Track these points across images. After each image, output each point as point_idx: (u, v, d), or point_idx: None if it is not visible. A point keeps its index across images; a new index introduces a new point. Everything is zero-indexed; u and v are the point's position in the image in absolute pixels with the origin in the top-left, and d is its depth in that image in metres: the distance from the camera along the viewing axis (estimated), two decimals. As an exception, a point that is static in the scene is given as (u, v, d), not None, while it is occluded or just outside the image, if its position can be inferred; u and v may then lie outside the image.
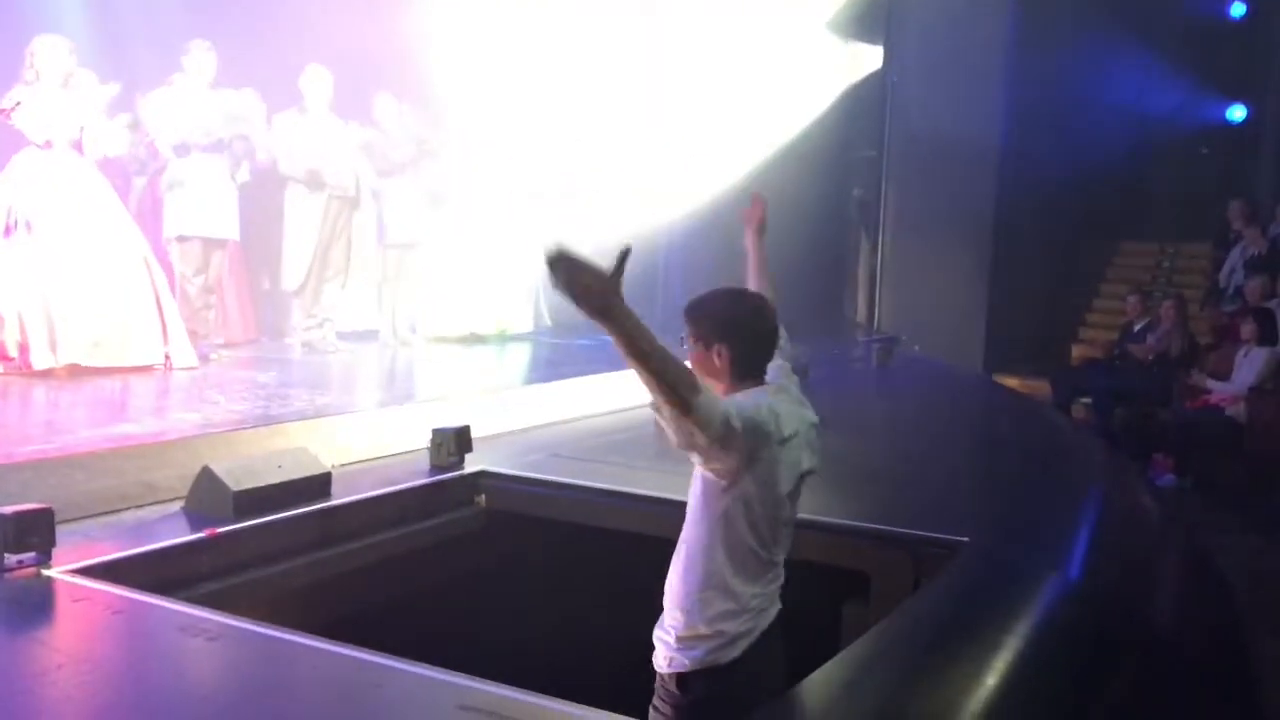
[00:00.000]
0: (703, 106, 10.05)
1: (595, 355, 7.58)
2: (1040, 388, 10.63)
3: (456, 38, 8.37)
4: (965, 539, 3.46)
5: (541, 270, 7.77)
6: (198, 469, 3.59)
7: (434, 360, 7.41)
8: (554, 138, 8.84)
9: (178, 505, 3.60)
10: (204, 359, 6.34)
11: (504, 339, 8.41)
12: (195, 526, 3.38)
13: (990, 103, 11.35)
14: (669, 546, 2.61)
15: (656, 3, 10.10)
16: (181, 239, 6.72)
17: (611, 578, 3.86)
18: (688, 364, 2.44)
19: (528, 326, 8.77)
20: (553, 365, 7.50)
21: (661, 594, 2.58)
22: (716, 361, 2.51)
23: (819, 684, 2.35)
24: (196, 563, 3.22)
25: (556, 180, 8.89)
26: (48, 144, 5.85)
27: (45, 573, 2.86)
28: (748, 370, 2.54)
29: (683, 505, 2.58)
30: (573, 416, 5.56)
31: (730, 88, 10.23)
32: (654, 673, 2.59)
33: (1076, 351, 11.91)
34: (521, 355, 8.04)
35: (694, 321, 2.55)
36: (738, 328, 2.54)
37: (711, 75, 10.16)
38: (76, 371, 5.69)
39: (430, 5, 8.38)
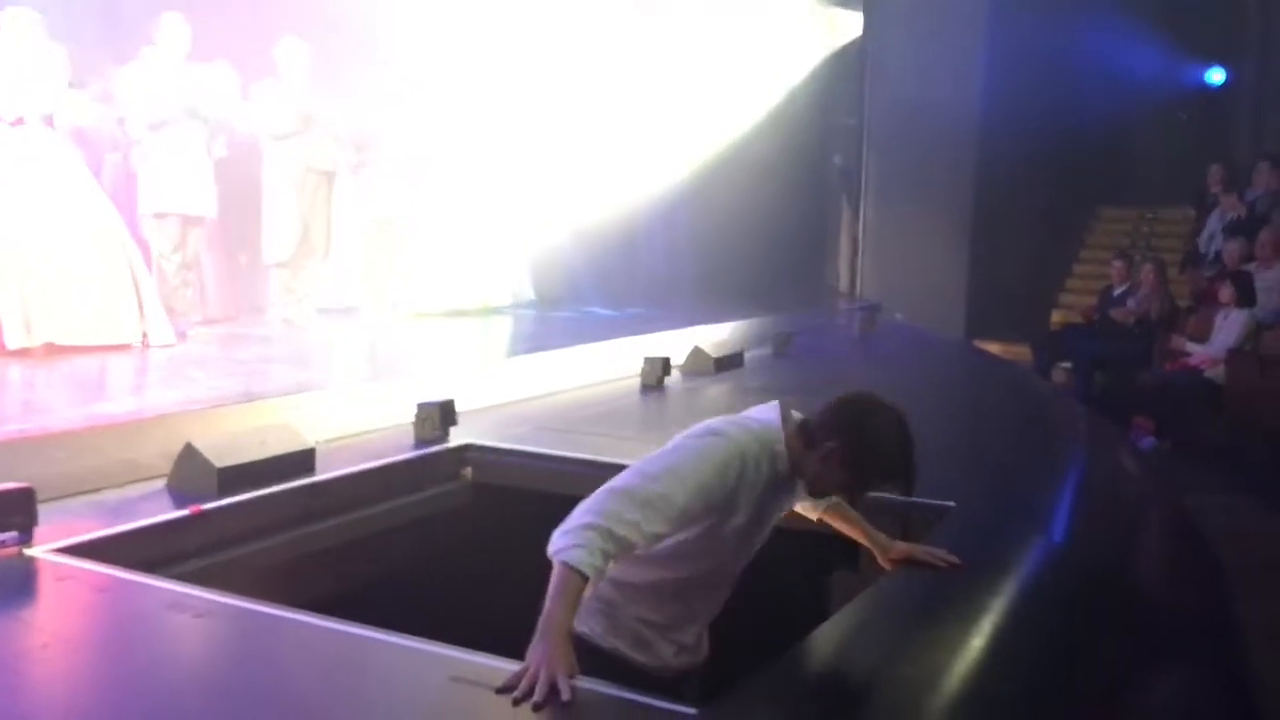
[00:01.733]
0: (682, 76, 10.00)
1: (578, 328, 7.57)
2: (1021, 353, 10.69)
3: (435, 8, 8.28)
4: (951, 504, 3.47)
5: (524, 244, 7.57)
6: (180, 446, 3.56)
7: (416, 335, 7.37)
8: (534, 112, 8.78)
9: (161, 483, 3.57)
10: (182, 336, 6.28)
11: (487, 313, 8.38)
12: (179, 504, 3.36)
13: (970, 69, 11.34)
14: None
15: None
16: (158, 215, 6.64)
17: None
18: None
19: (510, 300, 8.74)
20: (536, 339, 7.48)
21: None
22: None
23: (810, 650, 2.36)
24: (181, 540, 3.20)
25: (537, 154, 8.84)
26: (19, 121, 5.76)
27: (27, 552, 2.84)
28: None
29: None
30: (557, 389, 5.54)
31: (710, 56, 10.18)
32: None
33: (1057, 316, 11.97)
34: (504, 329, 8.02)
35: None
36: None
37: (691, 44, 10.10)
38: (53, 351, 5.63)
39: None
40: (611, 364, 6.03)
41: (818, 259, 12.63)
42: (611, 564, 2.20)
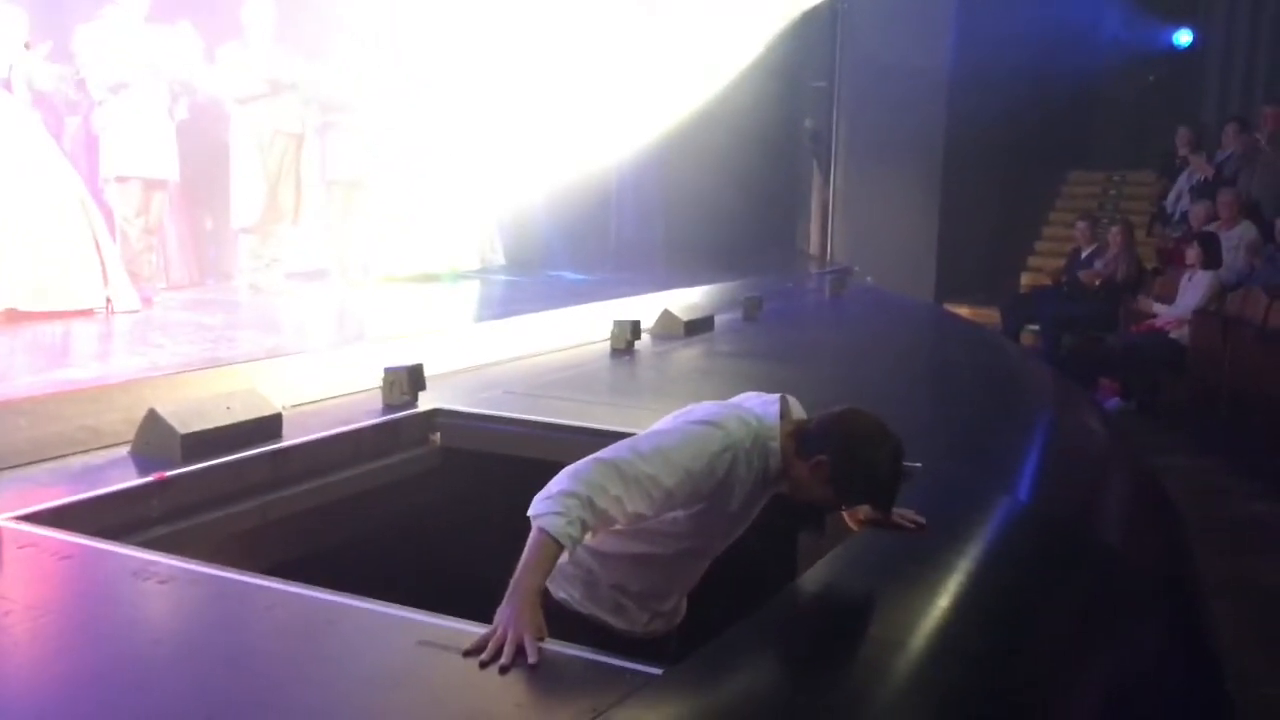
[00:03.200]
0: (652, 39, 9.92)
1: (547, 292, 7.55)
2: (990, 316, 10.75)
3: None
4: (918, 465, 3.49)
5: (494, 208, 7.50)
6: (143, 412, 3.52)
7: (385, 300, 7.32)
8: (504, 75, 8.70)
9: (124, 450, 3.53)
10: (147, 302, 6.22)
11: (456, 277, 8.33)
12: (143, 471, 3.32)
13: (940, 32, 11.31)
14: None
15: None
16: (120, 179, 6.55)
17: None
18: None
19: (480, 264, 8.69)
20: (505, 303, 7.45)
21: None
22: None
23: (777, 610, 2.37)
24: (145, 507, 3.17)
25: (506, 117, 8.76)
26: (-27, 84, 5.66)
27: (-11, 520, 2.81)
28: None
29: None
30: (526, 353, 5.52)
31: (678, 19, 10.10)
32: None
33: (1026, 279, 12.04)
34: (474, 293, 7.98)
35: None
36: None
37: (661, 7, 10.02)
38: (15, 317, 5.56)
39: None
40: (581, 328, 6.02)
41: (789, 223, 12.63)
42: (589, 535, 2.19)
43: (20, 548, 2.68)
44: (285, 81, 7.16)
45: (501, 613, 2.07)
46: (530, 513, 2.14)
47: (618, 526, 2.26)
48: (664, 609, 2.55)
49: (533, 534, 2.12)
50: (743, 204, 10.68)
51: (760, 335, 6.82)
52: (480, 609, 2.22)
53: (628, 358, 5.65)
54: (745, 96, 10.67)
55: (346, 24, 7.79)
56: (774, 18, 11.35)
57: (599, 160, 9.54)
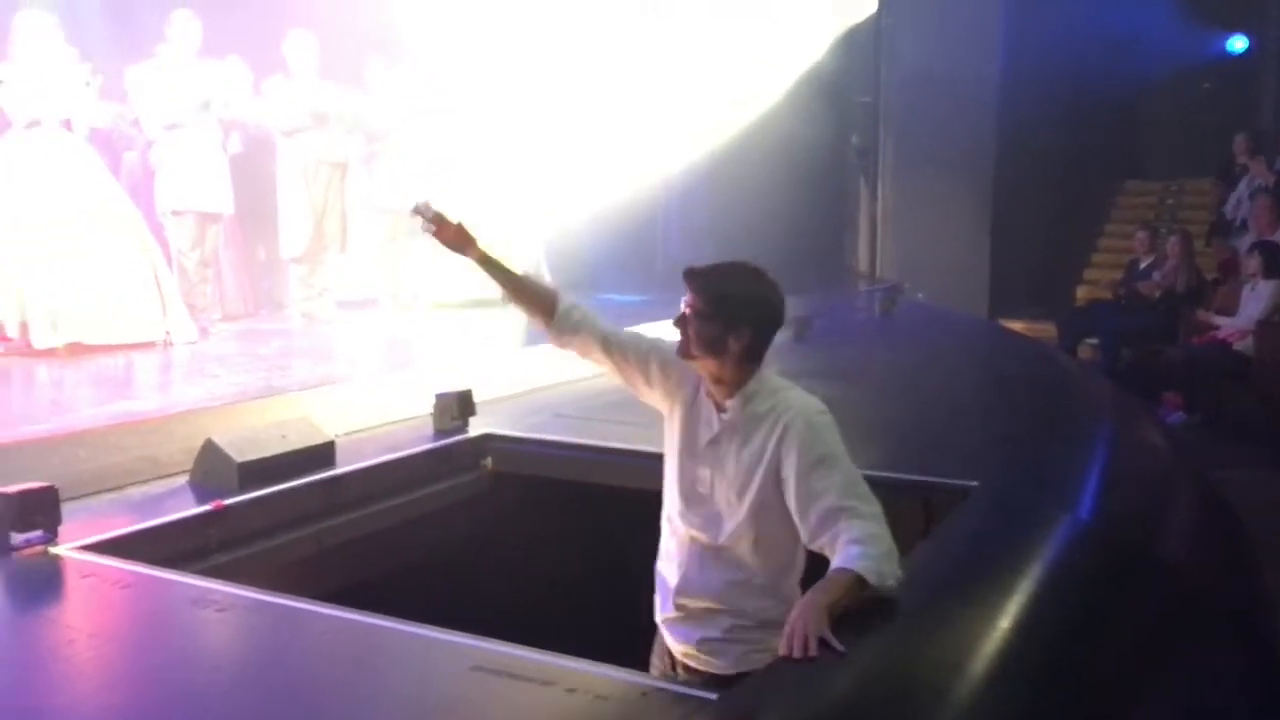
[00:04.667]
0: (697, 57, 9.94)
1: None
2: (1046, 330, 10.59)
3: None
4: (975, 483, 3.44)
5: (540, 232, 7.50)
6: (201, 442, 3.57)
7: (436, 326, 7.38)
8: (549, 98, 8.76)
9: (183, 479, 3.59)
10: (204, 333, 6.33)
11: (506, 302, 8.35)
12: (201, 500, 3.37)
13: (987, 42, 11.22)
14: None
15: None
16: (176, 213, 6.67)
17: (618, 534, 3.85)
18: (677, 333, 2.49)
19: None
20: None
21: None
22: (732, 344, 2.41)
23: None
24: (203, 536, 3.22)
25: (552, 141, 8.81)
26: (35, 123, 5.79)
27: (52, 550, 2.86)
28: (759, 355, 2.47)
29: None
30: (574, 377, 5.52)
31: (724, 37, 10.12)
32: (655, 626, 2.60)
33: (1082, 292, 11.85)
34: (523, 317, 7.97)
35: (712, 300, 2.42)
36: (762, 313, 2.47)
37: (705, 28, 10.04)
38: (77, 350, 5.68)
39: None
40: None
41: (837, 240, 12.56)
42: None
43: (83, 577, 2.73)
44: (329, 112, 7.27)
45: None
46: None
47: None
48: (668, 605, 2.55)
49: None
50: (790, 222, 10.62)
51: (809, 354, 6.76)
52: (533, 632, 2.22)
53: (677, 379, 5.62)
54: (791, 114, 10.64)
55: (388, 53, 7.89)
56: (819, 35, 11.32)
57: (645, 181, 9.56)
